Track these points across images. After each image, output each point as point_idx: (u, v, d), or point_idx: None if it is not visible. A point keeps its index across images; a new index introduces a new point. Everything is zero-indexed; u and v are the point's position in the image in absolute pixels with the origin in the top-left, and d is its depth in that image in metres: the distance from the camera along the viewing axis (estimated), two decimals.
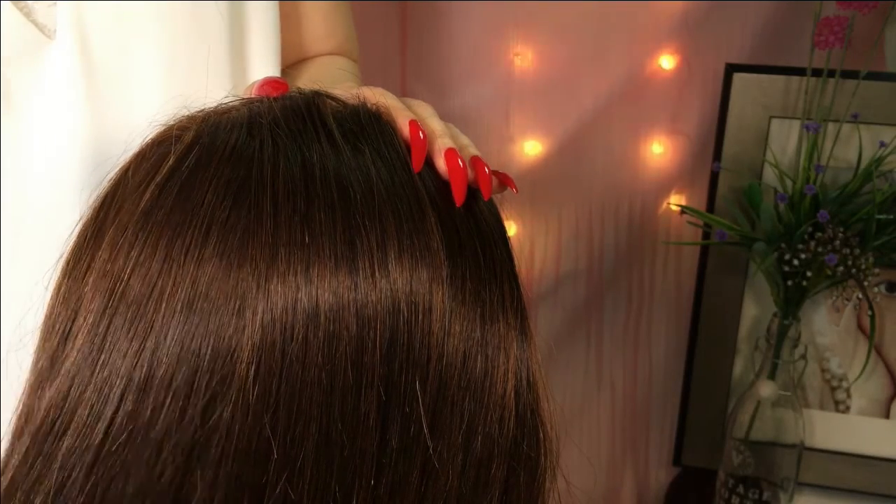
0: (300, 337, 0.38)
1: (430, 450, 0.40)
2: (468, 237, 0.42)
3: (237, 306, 0.38)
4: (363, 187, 0.40)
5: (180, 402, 0.38)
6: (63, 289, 0.42)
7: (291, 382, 0.38)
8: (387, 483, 0.40)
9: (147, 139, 0.44)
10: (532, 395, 0.43)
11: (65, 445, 0.39)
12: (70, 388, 0.40)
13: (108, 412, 0.39)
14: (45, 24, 0.54)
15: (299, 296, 0.38)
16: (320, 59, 0.82)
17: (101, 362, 0.39)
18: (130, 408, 0.38)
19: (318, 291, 0.38)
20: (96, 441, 0.39)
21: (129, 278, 0.39)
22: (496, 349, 0.41)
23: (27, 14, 0.54)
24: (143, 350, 0.38)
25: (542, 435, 0.44)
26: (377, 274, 0.39)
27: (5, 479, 0.42)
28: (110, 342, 0.39)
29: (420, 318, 0.40)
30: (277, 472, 0.38)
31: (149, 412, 0.38)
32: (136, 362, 0.39)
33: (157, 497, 0.38)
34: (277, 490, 0.38)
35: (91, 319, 0.40)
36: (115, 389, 0.39)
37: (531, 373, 0.43)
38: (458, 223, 0.42)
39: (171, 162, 0.41)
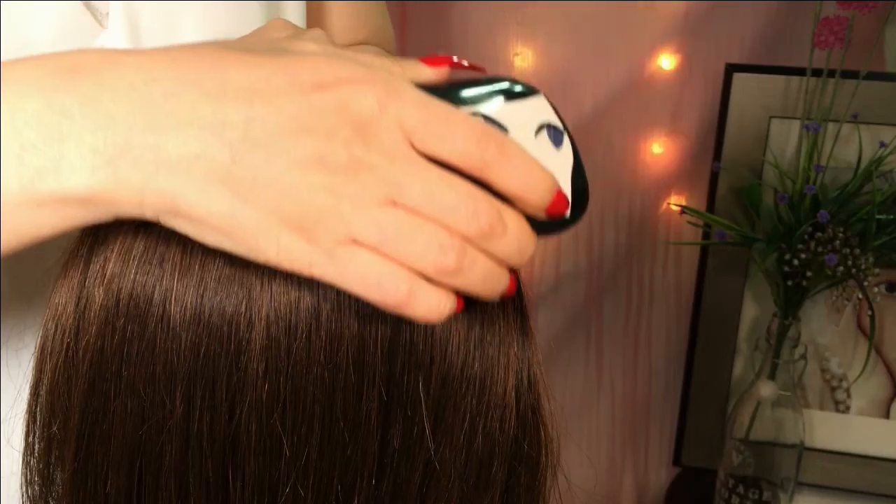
0: (303, 336, 0.38)
1: (432, 452, 0.40)
2: None
3: (244, 305, 0.38)
4: None
5: (206, 402, 0.38)
6: (64, 288, 0.41)
7: (296, 381, 0.38)
8: (388, 484, 0.40)
9: None
10: (533, 395, 0.43)
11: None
12: None
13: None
14: (99, 9, 0.54)
15: (301, 293, 0.38)
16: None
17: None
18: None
19: (320, 290, 0.38)
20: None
21: (133, 280, 0.39)
22: (497, 348, 0.41)
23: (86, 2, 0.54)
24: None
25: (542, 435, 0.44)
26: None
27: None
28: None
29: (423, 329, 0.39)
30: (288, 470, 0.39)
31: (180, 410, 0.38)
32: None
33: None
34: (288, 488, 0.39)
35: (93, 316, 0.40)
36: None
37: (532, 372, 0.43)
38: None
39: None
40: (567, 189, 0.41)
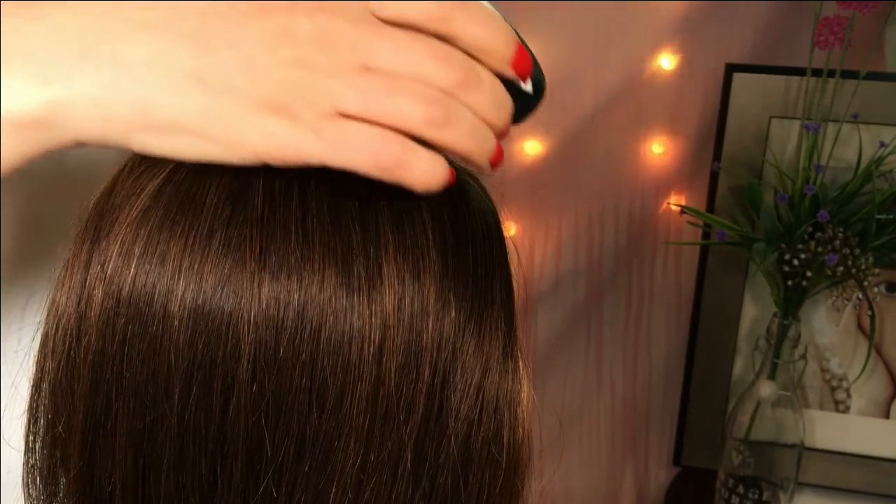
0: (289, 337, 0.38)
1: (409, 462, 0.39)
2: (464, 260, 0.41)
3: (241, 305, 0.38)
4: (362, 192, 0.40)
5: (202, 401, 0.38)
6: (65, 288, 0.41)
7: (279, 382, 0.38)
8: (369, 494, 0.39)
9: None
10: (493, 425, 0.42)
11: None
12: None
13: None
14: None
15: (290, 299, 0.38)
16: None
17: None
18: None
19: (307, 297, 0.38)
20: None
21: (133, 280, 0.39)
22: (482, 371, 0.40)
23: None
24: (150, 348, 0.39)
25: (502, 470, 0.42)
26: (369, 285, 0.38)
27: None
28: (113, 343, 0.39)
29: (414, 334, 0.39)
30: (266, 469, 0.39)
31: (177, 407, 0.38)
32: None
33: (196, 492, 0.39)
34: (262, 489, 0.39)
35: (94, 317, 0.40)
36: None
37: (506, 399, 0.42)
38: (460, 240, 0.41)
39: (172, 163, 0.41)
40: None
